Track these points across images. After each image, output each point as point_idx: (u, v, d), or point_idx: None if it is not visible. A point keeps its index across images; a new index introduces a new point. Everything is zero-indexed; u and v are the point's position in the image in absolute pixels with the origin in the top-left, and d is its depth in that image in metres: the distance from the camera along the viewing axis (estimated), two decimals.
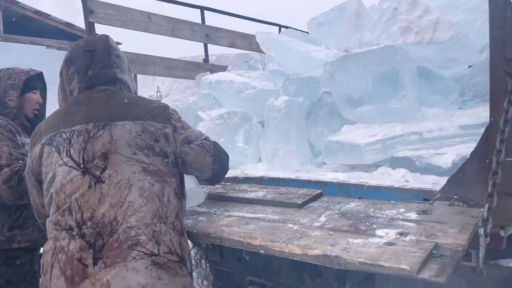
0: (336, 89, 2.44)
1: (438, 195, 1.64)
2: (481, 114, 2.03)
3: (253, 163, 2.67)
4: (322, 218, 1.58)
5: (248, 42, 4.50)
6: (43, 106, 2.61)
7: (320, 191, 1.85)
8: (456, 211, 1.48)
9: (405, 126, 2.12)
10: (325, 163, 2.42)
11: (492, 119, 1.52)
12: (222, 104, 3.53)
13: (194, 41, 4.14)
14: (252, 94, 3.22)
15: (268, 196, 1.88)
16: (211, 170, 1.74)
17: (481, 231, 1.17)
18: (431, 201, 1.64)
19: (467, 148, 1.89)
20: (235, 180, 2.41)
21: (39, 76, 2.57)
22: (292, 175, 2.21)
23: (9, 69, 2.45)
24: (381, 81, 2.23)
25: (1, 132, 2.20)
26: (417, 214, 1.47)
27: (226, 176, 2.40)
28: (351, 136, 2.17)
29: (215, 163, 1.74)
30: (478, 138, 1.90)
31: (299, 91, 3.01)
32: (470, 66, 2.79)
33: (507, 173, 1.37)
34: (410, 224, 1.40)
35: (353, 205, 1.68)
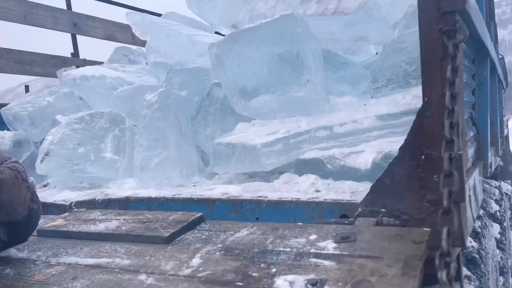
0: (226, 78, 1.91)
1: (360, 209, 1.17)
2: (400, 101, 1.64)
3: (126, 178, 2.02)
4: (196, 260, 1.01)
5: (130, 34, 3.80)
6: None
7: (200, 214, 1.28)
8: (389, 233, 1.01)
9: (311, 120, 1.65)
10: (217, 174, 1.87)
11: (426, 99, 1.09)
12: (91, 105, 2.81)
13: (57, 30, 3.35)
14: (127, 91, 2.56)
15: (124, 228, 1.27)
16: (27, 209, 1.12)
17: (443, 275, 0.69)
18: (352, 219, 1.16)
19: (388, 143, 1.47)
20: (91, 204, 1.75)
21: None
22: (170, 193, 1.62)
23: None
24: (279, 64, 1.74)
25: None
26: (336, 243, 0.97)
27: (79, 199, 1.74)
28: (245, 136, 1.65)
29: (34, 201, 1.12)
30: (401, 130, 1.49)
31: (184, 85, 2.44)
32: (377, 53, 2.46)
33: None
34: (326, 263, 0.89)
35: (244, 233, 1.14)
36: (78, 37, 3.62)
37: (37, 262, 1.17)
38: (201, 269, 0.96)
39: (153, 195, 1.60)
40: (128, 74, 2.89)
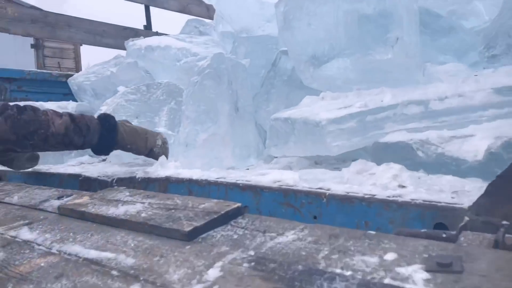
0: (294, 41, 1.57)
1: (468, 219, 0.78)
2: None
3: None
4: (213, 272, 0.71)
5: (205, 8, 3.60)
6: None
7: (237, 205, 0.97)
8: None
9: (399, 92, 1.25)
10: (276, 156, 1.55)
11: None
12: (155, 77, 2.64)
13: (131, 1, 3.23)
14: (190, 62, 2.34)
15: (144, 214, 1.01)
16: None
17: None
18: (454, 232, 0.77)
19: (511, 126, 1.03)
20: (131, 182, 1.53)
21: None
22: (214, 175, 1.33)
23: None
24: (359, 22, 1.36)
25: None
26: (428, 272, 0.60)
27: (120, 176, 1.53)
28: (309, 110, 1.30)
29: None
30: None
31: (251, 55, 2.14)
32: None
33: None
34: None
35: (290, 237, 0.81)
36: (152, 9, 3.49)
37: (37, 247, 0.95)
38: (216, 286, 0.66)
39: (194, 177, 1.33)
40: (194, 45, 2.67)
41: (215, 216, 0.91)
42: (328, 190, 1.03)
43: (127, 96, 2.03)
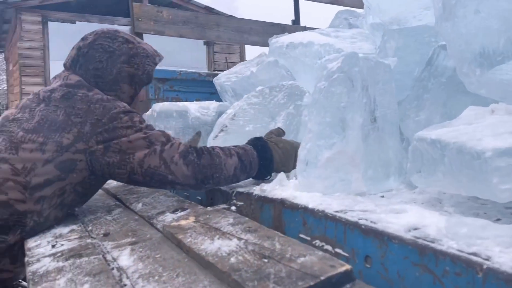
0: (455, 34, 1.19)
1: None
2: None
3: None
4: None
5: None
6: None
7: (345, 268, 0.72)
8: None
9: None
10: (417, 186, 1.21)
11: None
12: (295, 76, 2.47)
13: None
14: (332, 60, 2.08)
15: (233, 259, 0.83)
16: None
17: None
18: None
19: None
20: (248, 198, 1.39)
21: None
22: (336, 206, 1.09)
23: (127, 40, 1.62)
24: None
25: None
26: None
27: (239, 189, 1.42)
28: (468, 131, 0.94)
29: None
30: None
31: (403, 50, 1.80)
32: None
33: None
34: None
35: None
36: (301, 3, 3.33)
37: (124, 281, 0.87)
38: None
39: (310, 205, 1.11)
40: (340, 40, 2.40)
41: (312, 284, 0.68)
42: (486, 259, 0.70)
43: (250, 100, 1.91)
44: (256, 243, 0.89)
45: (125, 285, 0.85)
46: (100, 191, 1.98)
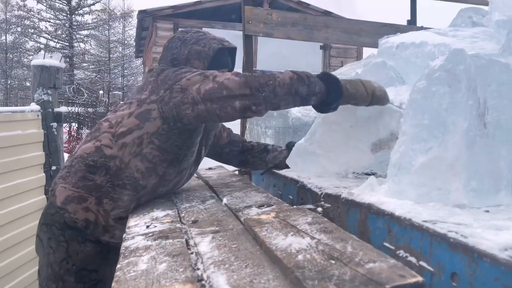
0: None
1: None
2: None
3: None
4: None
5: None
6: None
7: (416, 279, 0.65)
8: None
9: None
10: None
11: None
12: (405, 79, 2.32)
13: None
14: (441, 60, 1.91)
15: (300, 257, 0.81)
16: None
17: None
18: None
19: None
20: (336, 201, 1.34)
21: (233, 51, 1.95)
22: (427, 215, 0.99)
23: (198, 31, 1.90)
24: None
25: None
26: None
27: (328, 191, 1.39)
28: None
29: None
30: None
31: None
32: None
33: None
34: None
35: None
36: (420, 1, 3.11)
37: (202, 266, 0.91)
38: None
39: (397, 212, 1.03)
40: (458, 39, 2.19)
41: None
42: None
43: None
44: (328, 243, 0.86)
45: (198, 268, 0.89)
46: (200, 182, 2.10)
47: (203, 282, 0.80)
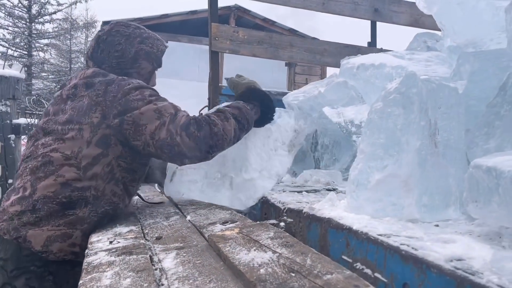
0: None
1: None
2: None
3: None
4: None
5: (440, 20, 3.13)
6: None
7: None
8: None
9: None
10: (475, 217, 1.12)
11: None
12: (365, 99, 2.42)
13: (355, 17, 3.10)
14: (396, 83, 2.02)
15: (262, 271, 0.84)
16: None
17: None
18: None
19: None
20: (298, 216, 1.39)
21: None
22: (381, 230, 1.05)
23: (139, 27, 1.83)
24: None
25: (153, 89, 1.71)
26: None
27: (290, 206, 1.43)
28: None
29: None
30: None
31: (478, 75, 1.69)
32: None
33: None
34: None
35: None
36: (379, 25, 3.27)
37: (163, 281, 0.92)
38: None
39: (354, 227, 1.08)
40: (414, 62, 2.32)
41: None
42: None
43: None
44: (288, 257, 0.90)
45: (162, 284, 0.90)
46: (164, 198, 2.09)
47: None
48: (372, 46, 3.28)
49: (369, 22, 3.24)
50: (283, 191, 1.84)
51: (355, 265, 1.04)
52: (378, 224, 1.10)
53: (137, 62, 1.74)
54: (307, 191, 1.83)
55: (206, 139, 1.47)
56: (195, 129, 1.47)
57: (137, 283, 0.89)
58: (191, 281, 0.89)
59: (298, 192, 1.79)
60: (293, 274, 0.80)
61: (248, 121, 1.65)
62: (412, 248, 0.89)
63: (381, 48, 3.23)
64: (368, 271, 0.99)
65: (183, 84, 11.73)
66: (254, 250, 0.98)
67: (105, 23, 11.89)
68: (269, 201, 1.67)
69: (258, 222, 1.38)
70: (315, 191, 1.86)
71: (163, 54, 1.85)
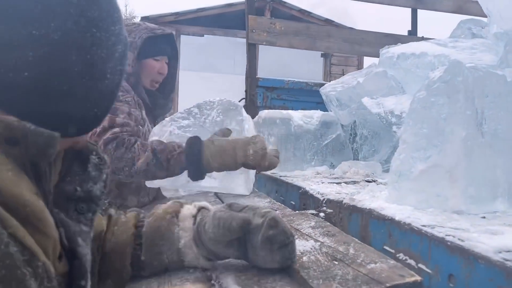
0: None
1: None
2: None
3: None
4: None
5: (485, 5, 3.00)
6: (169, 79, 2.15)
7: (415, 278, 0.69)
8: None
9: None
10: None
11: None
12: (405, 88, 2.37)
13: (396, 5, 3.01)
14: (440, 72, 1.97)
15: (306, 258, 0.85)
16: None
17: None
18: None
19: None
20: (337, 206, 1.38)
21: (168, 38, 2.02)
22: (425, 220, 1.04)
23: (135, 23, 1.98)
24: None
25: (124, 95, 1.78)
26: None
27: (330, 197, 1.43)
28: None
29: None
30: None
31: None
32: None
33: None
34: None
35: None
36: (420, 12, 3.17)
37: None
38: None
39: (397, 217, 1.07)
40: (457, 50, 2.25)
41: None
42: None
43: (178, 122, 1.75)
44: (331, 246, 0.90)
45: (207, 269, 0.93)
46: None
47: (213, 281, 0.84)
48: (412, 35, 3.19)
49: (401, 11, 3.14)
50: (322, 182, 1.84)
51: (397, 255, 1.03)
52: (421, 215, 1.08)
53: None
54: (346, 183, 1.82)
55: (117, 161, 1.49)
56: (112, 147, 1.51)
57: (183, 268, 0.92)
58: (234, 267, 0.91)
59: (337, 183, 1.79)
60: (336, 262, 0.80)
61: (170, 162, 1.51)
62: (459, 239, 0.87)
63: (422, 37, 3.12)
64: (412, 262, 0.98)
65: (218, 77, 11.82)
66: (296, 238, 0.99)
67: (143, 18, 12.17)
68: (307, 192, 1.67)
69: (297, 211, 1.39)
70: (354, 182, 1.84)
71: (142, 41, 1.86)
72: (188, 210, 0.90)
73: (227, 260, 0.94)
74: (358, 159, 2.49)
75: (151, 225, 0.87)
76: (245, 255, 0.83)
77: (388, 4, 3.00)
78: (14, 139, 0.43)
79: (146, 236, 0.86)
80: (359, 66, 13.75)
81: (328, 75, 13.14)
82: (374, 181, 1.86)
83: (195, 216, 0.88)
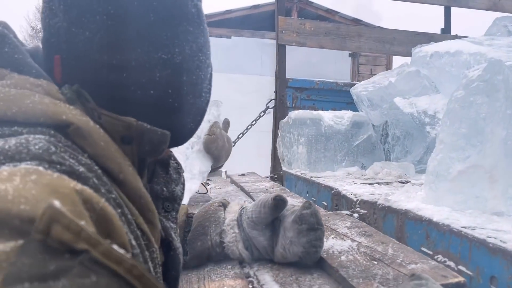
0: None
1: None
2: None
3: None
4: None
5: None
6: None
7: (458, 279, 0.69)
8: None
9: None
10: None
11: None
12: (439, 88, 2.32)
13: (429, 3, 2.95)
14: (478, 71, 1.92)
15: (344, 257, 0.85)
16: None
17: None
18: None
19: None
20: (372, 207, 1.37)
21: None
22: (464, 221, 1.02)
23: None
24: None
25: None
26: None
27: (364, 198, 1.43)
28: None
29: None
30: None
31: None
32: None
33: None
34: None
35: None
36: (454, 10, 3.10)
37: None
38: None
39: (435, 218, 1.06)
40: (494, 48, 2.18)
41: None
42: None
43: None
44: (369, 246, 0.90)
45: (244, 266, 0.94)
46: (235, 187, 2.16)
47: (251, 278, 0.86)
48: (446, 33, 3.12)
49: (431, 8, 3.07)
50: (354, 183, 1.83)
51: (436, 257, 1.02)
52: (460, 216, 1.06)
53: None
54: (378, 183, 1.80)
55: None
56: None
57: (221, 265, 0.93)
58: (270, 264, 0.93)
59: (370, 184, 1.77)
60: (375, 262, 0.80)
61: None
62: (501, 241, 0.86)
63: (456, 35, 3.06)
64: (451, 263, 0.96)
65: (245, 79, 11.87)
66: (333, 238, 0.99)
67: None
68: (340, 192, 1.67)
69: (331, 211, 1.38)
70: (387, 183, 1.83)
71: None
72: (237, 203, 0.96)
73: (262, 261, 0.95)
74: (390, 160, 2.46)
75: (200, 211, 0.94)
76: (272, 248, 0.87)
77: (420, 3, 2.95)
78: (129, 138, 0.48)
79: (195, 218, 0.95)
80: (388, 65, 13.53)
81: (356, 75, 12.99)
82: (407, 182, 1.84)
83: (242, 206, 0.94)
